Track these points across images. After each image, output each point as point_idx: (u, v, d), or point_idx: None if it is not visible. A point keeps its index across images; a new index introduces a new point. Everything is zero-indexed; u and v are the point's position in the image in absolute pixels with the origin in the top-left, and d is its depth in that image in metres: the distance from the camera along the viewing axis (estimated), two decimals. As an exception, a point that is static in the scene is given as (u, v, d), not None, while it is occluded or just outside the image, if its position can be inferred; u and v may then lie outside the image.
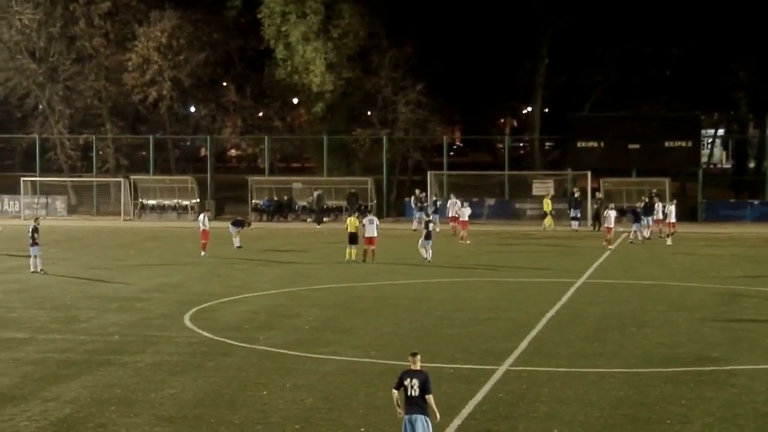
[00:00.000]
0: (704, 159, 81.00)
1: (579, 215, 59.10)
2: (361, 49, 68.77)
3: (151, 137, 71.63)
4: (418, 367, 15.78)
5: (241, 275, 38.37)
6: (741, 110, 78.35)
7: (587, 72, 73.64)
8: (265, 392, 20.41)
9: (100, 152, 73.02)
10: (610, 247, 46.60)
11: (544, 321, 28.28)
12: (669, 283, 36.13)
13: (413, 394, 15.51)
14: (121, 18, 71.85)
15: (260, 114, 75.35)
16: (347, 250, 42.04)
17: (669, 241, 49.41)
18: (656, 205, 52.93)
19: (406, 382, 15.59)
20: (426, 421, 15.48)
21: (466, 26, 73.35)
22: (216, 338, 25.90)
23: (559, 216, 59.62)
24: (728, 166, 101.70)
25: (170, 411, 19.15)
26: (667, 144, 62.63)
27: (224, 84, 74.88)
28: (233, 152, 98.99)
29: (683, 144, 62.96)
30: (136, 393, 20.41)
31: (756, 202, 64.41)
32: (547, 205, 58.84)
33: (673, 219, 50.55)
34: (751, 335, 26.38)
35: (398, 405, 15.72)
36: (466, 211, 51.92)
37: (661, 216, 52.17)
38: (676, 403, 19.56)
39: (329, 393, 20.37)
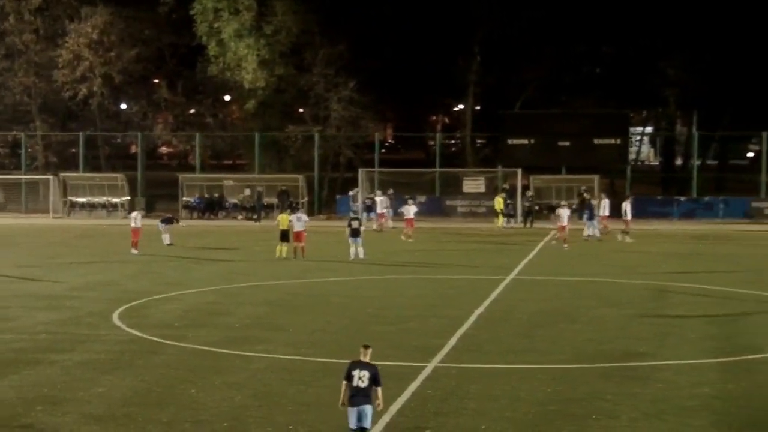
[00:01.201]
0: (632, 156, 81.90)
1: (513, 212, 59.38)
2: (294, 46, 68.62)
3: (81, 134, 70.90)
4: (369, 360, 16.12)
5: (173, 273, 38.17)
6: (669, 108, 79.33)
7: (519, 69, 74.12)
8: (194, 390, 20.34)
9: (29, 149, 72.16)
10: (565, 245, 46.71)
11: (474, 318, 28.43)
12: (599, 280, 36.52)
13: (361, 385, 15.84)
14: (52, 14, 71.08)
15: (192, 111, 74.92)
16: (278, 248, 42.02)
17: (628, 239, 49.28)
18: (603, 201, 53.01)
19: (355, 373, 15.90)
20: (370, 411, 15.90)
21: (399, 24, 73.50)
22: (146, 336, 25.75)
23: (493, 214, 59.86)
24: (656, 163, 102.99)
25: (99, 410, 19.01)
26: (596, 141, 63.23)
27: (156, 80, 74.36)
28: (164, 149, 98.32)
29: (612, 141, 63.62)
30: (64, 392, 20.24)
31: (683, 199, 65.23)
32: (499, 203, 58.31)
33: (628, 216, 50.48)
34: (678, 330, 26.77)
35: (343, 399, 16.06)
36: (412, 209, 51.83)
37: (606, 213, 52.36)
38: (604, 399, 19.79)
39: (259, 390, 20.35)
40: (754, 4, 69.14)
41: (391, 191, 59.89)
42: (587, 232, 51.28)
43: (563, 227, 47.25)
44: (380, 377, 16.08)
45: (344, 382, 16.08)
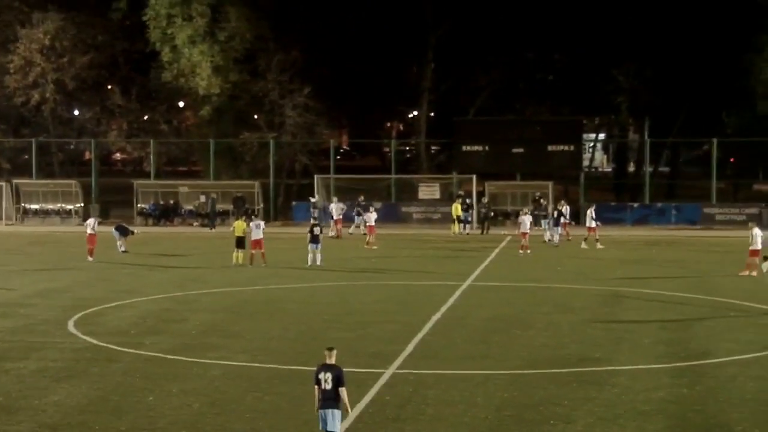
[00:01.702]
0: (586, 163, 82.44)
1: (469, 219, 59.40)
2: (248, 52, 68.48)
3: (33, 140, 70.41)
4: (333, 362, 16.36)
5: (128, 280, 37.96)
6: (621, 115, 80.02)
7: (473, 76, 74.43)
8: (151, 398, 20.26)
9: (-19, 156, 71.59)
10: (528, 251, 46.37)
11: (430, 324, 28.51)
12: (554, 285, 36.72)
13: (327, 387, 16.16)
14: (3, 19, 70.53)
15: (146, 117, 74.54)
16: (234, 254, 41.88)
17: (584, 245, 49.39)
18: (564, 208, 53.33)
19: (321, 376, 16.23)
20: (337, 414, 16.15)
21: (353, 30, 73.62)
22: (101, 344, 25.60)
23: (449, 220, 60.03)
24: (609, 169, 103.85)
25: (54, 418, 18.89)
26: (550, 148, 63.53)
27: (109, 87, 73.91)
28: (119, 156, 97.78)
29: (566, 148, 63.94)
30: (19, 400, 20.08)
31: (636, 205, 65.73)
32: (457, 209, 58.10)
33: (592, 223, 50.30)
34: (632, 336, 26.99)
35: (317, 401, 16.35)
36: (372, 216, 51.72)
37: (567, 219, 52.77)
38: (560, 404, 19.92)
39: (216, 398, 20.31)
40: (700, 14, 70.04)
41: (361, 198, 59.85)
42: (547, 236, 51.71)
43: (525, 234, 47.30)
44: (344, 378, 16.25)
45: (315, 387, 16.36)
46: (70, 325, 28.18)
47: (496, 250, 49.09)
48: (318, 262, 41.49)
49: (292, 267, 41.66)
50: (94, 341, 25.97)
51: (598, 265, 43.20)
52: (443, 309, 31.10)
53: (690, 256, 47.37)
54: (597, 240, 49.84)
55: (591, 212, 51.02)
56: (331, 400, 16.13)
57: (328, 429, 16.14)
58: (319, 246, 41.86)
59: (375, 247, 49.25)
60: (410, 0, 72.37)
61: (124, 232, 47.30)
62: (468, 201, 59.94)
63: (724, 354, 24.57)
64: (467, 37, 73.41)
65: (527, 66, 75.22)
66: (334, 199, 58.51)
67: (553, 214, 52.78)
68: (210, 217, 62.81)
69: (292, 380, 21.66)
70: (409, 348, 25.02)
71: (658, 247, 51.42)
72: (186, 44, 66.61)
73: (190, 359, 23.76)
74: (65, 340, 26.13)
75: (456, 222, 57.73)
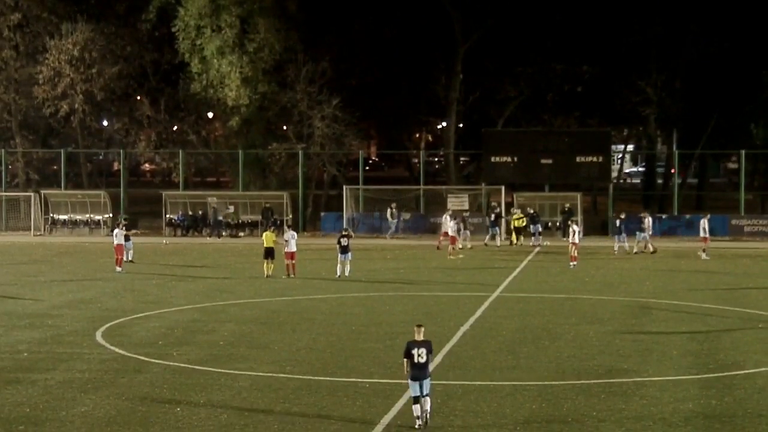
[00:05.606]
0: (614, 174, 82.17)
1: (540, 230, 58.76)
2: (277, 63, 68.56)
3: (62, 151, 70.73)
4: (422, 338, 18.86)
5: (156, 290, 38.08)
6: (650, 126, 79.73)
7: (501, 87, 74.33)
8: (178, 409, 20.28)
9: (9, 166, 71.87)
10: (573, 263, 45.87)
11: (459, 335, 28.48)
12: (581, 296, 36.59)
13: (421, 360, 18.70)
14: (32, 30, 70.79)
15: (175, 128, 74.74)
16: (264, 265, 41.91)
17: (705, 255, 49.90)
18: (647, 219, 53.42)
19: (414, 351, 18.71)
20: (429, 381, 18.90)
21: (382, 41, 73.67)
22: (129, 354, 25.67)
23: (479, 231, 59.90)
24: (638, 180, 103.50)
25: (81, 430, 18.93)
26: (578, 159, 63.26)
27: (138, 97, 74.17)
28: (147, 166, 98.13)
29: (594, 159, 63.67)
30: (46, 411, 20.14)
31: (664, 216, 65.38)
32: (521, 221, 57.83)
33: (706, 234, 50.62)
34: (660, 347, 26.86)
35: (407, 372, 18.81)
36: (452, 225, 51.57)
37: (650, 231, 52.93)
38: (588, 415, 19.85)
39: (244, 409, 20.31)
40: (728, 26, 69.84)
41: (449, 212, 59.80)
42: (616, 246, 52.38)
43: (575, 245, 46.76)
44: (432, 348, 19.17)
45: (405, 360, 18.84)
46: (98, 336, 28.27)
47: (525, 261, 48.95)
48: (347, 273, 41.48)
49: (320, 278, 41.68)
50: (122, 352, 26.04)
51: (626, 276, 43.03)
52: (471, 320, 31.05)
53: (718, 268, 47.04)
54: (704, 251, 50.14)
55: (704, 223, 51.10)
56: (425, 369, 18.70)
57: (424, 393, 18.59)
58: (349, 256, 41.84)
59: (461, 256, 49.40)
60: (439, 12, 72.37)
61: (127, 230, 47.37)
62: (532, 211, 59.53)
63: (753, 365, 24.44)
64: (496, 49, 73.33)
65: (556, 77, 75.01)
66: (449, 212, 57.65)
67: (620, 225, 52.71)
68: (211, 226, 62.84)
69: (321, 391, 21.65)
70: (438, 359, 24.93)
71: (686, 259, 51.10)
72: (215, 55, 66.79)
73: (217, 370, 23.79)
74: (93, 351, 26.20)
75: (514, 233, 57.66)
